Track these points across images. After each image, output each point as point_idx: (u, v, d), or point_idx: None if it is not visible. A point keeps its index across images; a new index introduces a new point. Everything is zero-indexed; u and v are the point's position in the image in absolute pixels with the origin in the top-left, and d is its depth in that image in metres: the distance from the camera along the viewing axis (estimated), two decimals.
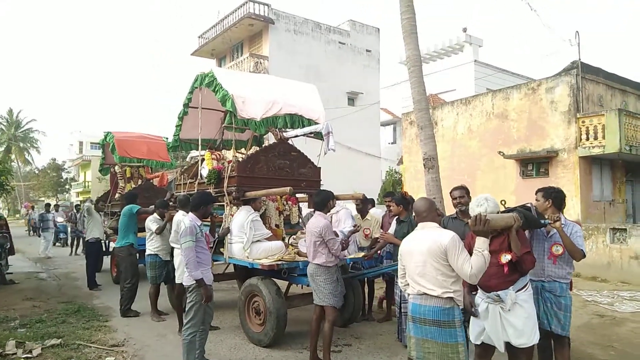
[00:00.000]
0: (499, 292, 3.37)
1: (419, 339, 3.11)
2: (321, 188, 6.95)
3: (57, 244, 18.20)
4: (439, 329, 3.02)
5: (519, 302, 3.35)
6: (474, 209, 3.45)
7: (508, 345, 3.39)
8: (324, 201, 4.92)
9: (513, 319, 3.33)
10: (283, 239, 6.36)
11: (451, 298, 3.02)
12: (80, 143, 56.84)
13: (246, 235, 5.56)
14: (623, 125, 11.15)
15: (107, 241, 10.57)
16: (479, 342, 3.54)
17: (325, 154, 6.60)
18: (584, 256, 3.73)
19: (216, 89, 6.26)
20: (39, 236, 15.74)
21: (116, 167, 11.07)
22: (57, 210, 19.99)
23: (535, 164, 12.67)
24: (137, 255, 7.37)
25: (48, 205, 17.13)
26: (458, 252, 2.97)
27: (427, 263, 3.05)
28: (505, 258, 3.33)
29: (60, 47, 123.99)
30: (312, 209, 6.98)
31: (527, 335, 3.32)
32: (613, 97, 13.21)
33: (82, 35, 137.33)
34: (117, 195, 10.76)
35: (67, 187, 49.90)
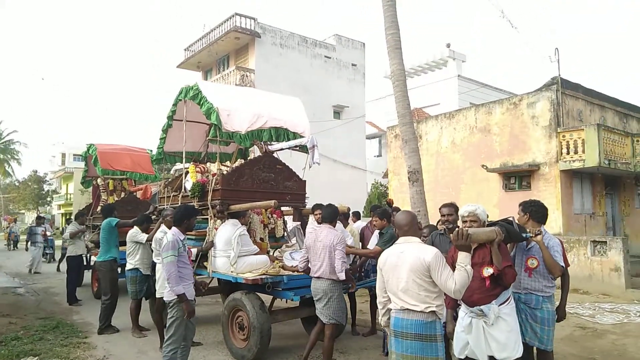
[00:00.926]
0: (482, 307, 3.39)
1: (399, 354, 3.08)
2: (306, 201, 6.97)
3: (43, 259, 16.92)
4: (421, 343, 3.00)
5: (502, 315, 3.37)
6: (476, 210, 3.57)
7: (492, 359, 3.39)
8: (332, 215, 4.98)
9: (496, 332, 3.35)
10: (268, 253, 6.33)
11: (434, 312, 3.01)
12: (63, 155, 56.06)
13: (233, 250, 5.50)
14: (602, 140, 11.41)
15: (88, 255, 10.36)
16: (462, 357, 3.55)
17: (310, 167, 6.62)
18: (562, 271, 3.77)
19: (201, 102, 6.25)
20: (27, 250, 14.47)
21: (99, 180, 10.92)
22: (42, 224, 19.17)
23: (517, 177, 12.87)
24: (119, 269, 7.24)
25: (39, 218, 15.55)
26: (441, 269, 2.96)
27: (409, 279, 3.03)
28: (487, 271, 3.35)
29: (41, 58, 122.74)
30: (299, 222, 7.02)
31: (510, 348, 3.33)
32: (592, 112, 13.53)
33: (64, 46, 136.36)
34: (99, 209, 10.59)
35: (48, 199, 48.98)
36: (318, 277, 4.82)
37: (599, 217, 13.13)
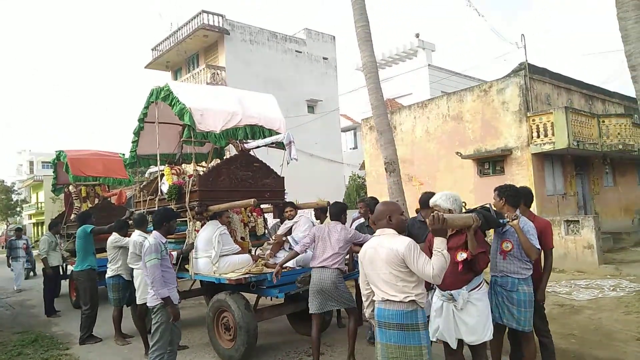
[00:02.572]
0: (452, 292, 3.47)
1: (383, 344, 3.12)
2: (285, 197, 6.95)
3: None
4: (403, 332, 3.03)
5: (471, 300, 3.45)
6: (439, 202, 3.58)
7: (462, 342, 3.50)
8: (339, 212, 5.10)
9: (465, 317, 3.44)
10: (249, 251, 6.29)
11: (414, 301, 3.03)
12: (31, 163, 54.43)
13: (214, 250, 5.46)
14: (570, 122, 11.73)
15: (64, 264, 10.10)
16: (434, 339, 3.62)
17: (288, 163, 6.59)
18: (538, 254, 3.86)
19: (173, 103, 6.14)
20: (8, 266, 12.85)
21: (70, 187, 10.64)
22: (19, 237, 17.40)
23: (491, 162, 13.13)
24: (97, 277, 7.08)
25: (19, 229, 13.85)
26: (416, 257, 2.97)
27: (386, 271, 3.05)
28: (461, 256, 3.43)
29: (1, 63, 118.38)
30: (278, 220, 6.99)
31: (478, 332, 3.44)
32: (559, 96, 13.89)
33: (28, 50, 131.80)
34: (72, 216, 10.32)
35: (18, 209, 47.46)
36: (323, 267, 4.83)
37: (570, 197, 13.52)
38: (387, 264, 3.04)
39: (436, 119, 14.38)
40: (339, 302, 4.86)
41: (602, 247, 10.05)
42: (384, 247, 3.08)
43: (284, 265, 5.64)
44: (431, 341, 3.32)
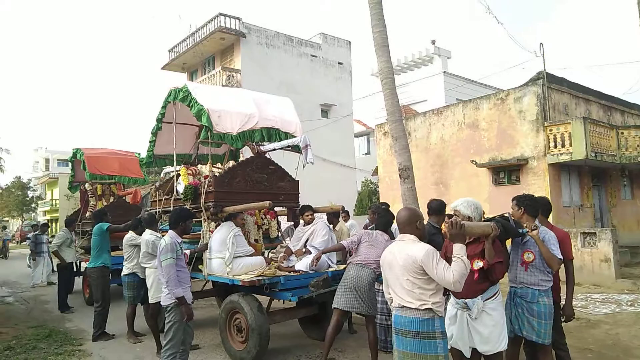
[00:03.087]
0: (467, 300, 3.42)
1: (400, 351, 3.08)
2: (299, 201, 6.95)
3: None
4: (419, 341, 2.98)
5: (486, 310, 3.41)
6: (459, 208, 3.56)
7: (475, 351, 3.45)
8: (388, 224, 5.01)
9: (479, 326, 3.40)
10: (262, 254, 6.30)
11: (430, 309, 2.98)
12: (47, 160, 55.27)
13: (228, 251, 5.47)
14: (588, 133, 11.56)
15: (78, 261, 10.21)
16: (448, 347, 3.58)
17: (304, 167, 6.59)
18: (560, 264, 3.80)
19: (191, 104, 6.19)
20: (32, 261, 12.64)
21: (86, 185, 10.77)
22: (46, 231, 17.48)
23: (506, 171, 12.99)
24: (110, 275, 7.14)
25: (45, 225, 13.75)
26: (435, 263, 2.93)
27: (403, 277, 3.02)
28: (477, 264, 3.39)
29: (20, 62, 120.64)
30: (292, 223, 6.98)
31: (492, 342, 3.39)
32: (577, 106, 13.71)
33: (46, 50, 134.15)
34: (87, 214, 10.44)
35: (33, 206, 48.21)
36: (364, 266, 4.74)
37: (587, 209, 13.32)
38: (405, 270, 3.01)
39: (451, 126, 14.29)
40: (367, 305, 4.70)
41: (619, 260, 9.86)
42: (403, 253, 3.06)
43: (297, 269, 5.65)
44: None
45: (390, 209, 6.37)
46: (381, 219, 5.13)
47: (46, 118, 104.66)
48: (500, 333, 3.44)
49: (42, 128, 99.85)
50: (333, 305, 4.83)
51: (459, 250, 2.97)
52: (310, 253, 5.72)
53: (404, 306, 3.04)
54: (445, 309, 3.79)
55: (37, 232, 13.31)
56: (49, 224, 31.05)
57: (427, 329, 2.97)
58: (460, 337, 3.48)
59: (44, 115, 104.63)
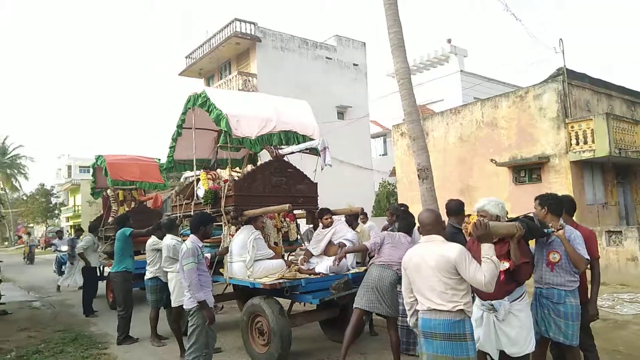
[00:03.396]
0: (493, 302, 3.37)
1: (430, 354, 3.04)
2: (318, 203, 6.95)
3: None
4: (450, 343, 2.94)
5: (513, 311, 3.36)
6: (487, 208, 3.52)
7: (503, 353, 3.38)
8: (411, 226, 5.01)
9: (507, 328, 3.35)
10: (282, 257, 6.31)
11: (462, 310, 2.95)
12: (69, 167, 56.41)
13: (249, 254, 5.50)
14: (611, 129, 11.31)
15: (101, 266, 10.39)
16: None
17: (322, 169, 6.60)
18: (587, 264, 3.72)
19: (210, 109, 6.25)
20: (70, 265, 11.86)
21: (108, 191, 10.95)
22: (60, 238, 17.72)
23: (527, 170, 12.78)
24: (133, 279, 7.23)
25: (80, 230, 12.91)
26: (468, 263, 2.90)
27: (435, 278, 2.98)
28: (503, 265, 3.34)
29: (44, 72, 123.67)
30: (311, 225, 6.98)
31: (520, 344, 3.33)
32: (599, 102, 13.42)
33: (67, 59, 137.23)
34: (110, 219, 10.62)
35: (56, 212, 49.30)
36: (386, 266, 4.74)
37: (611, 207, 13.01)
38: (437, 271, 2.97)
39: (470, 125, 14.12)
40: (389, 306, 4.68)
41: None
42: (434, 254, 3.02)
43: (317, 272, 5.64)
44: None
45: (409, 210, 6.34)
46: (403, 221, 5.11)
47: (68, 126, 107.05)
48: (527, 334, 3.39)
49: (64, 136, 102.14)
50: (354, 305, 4.81)
51: (487, 250, 2.94)
52: (345, 245, 5.70)
53: (434, 309, 3.00)
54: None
55: (73, 237, 13.27)
56: (70, 229, 31.76)
57: (459, 331, 2.95)
58: (487, 339, 3.43)
59: (67, 123, 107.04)
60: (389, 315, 4.75)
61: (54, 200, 49.45)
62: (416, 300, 3.17)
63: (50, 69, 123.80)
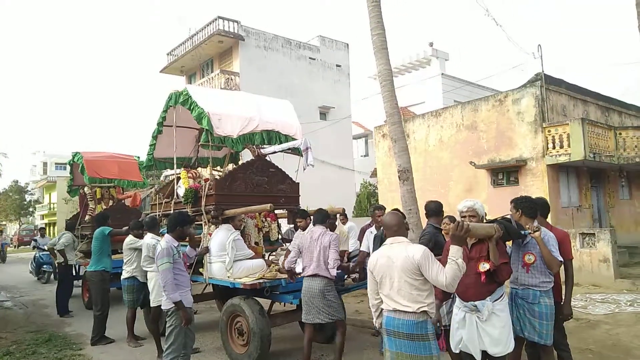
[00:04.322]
0: (476, 303, 3.43)
1: (393, 352, 3.12)
2: (300, 203, 6.95)
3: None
4: (413, 342, 3.03)
5: (495, 311, 3.42)
6: (476, 207, 3.63)
7: (485, 353, 3.44)
8: (324, 217, 5.15)
9: (490, 328, 3.40)
10: (263, 257, 6.29)
11: (425, 312, 3.04)
12: (45, 164, 55.14)
13: (228, 256, 5.46)
14: (587, 134, 11.61)
15: (77, 265, 10.18)
16: (457, 351, 3.59)
17: (304, 169, 6.60)
18: (560, 266, 3.82)
19: (191, 107, 6.19)
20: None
21: (85, 188, 10.74)
22: (43, 236, 15.76)
23: (505, 173, 13.02)
24: (111, 278, 7.12)
25: (43, 229, 13.54)
26: (430, 264, 3.00)
27: (401, 279, 3.06)
28: (484, 267, 3.40)
29: (18, 65, 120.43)
30: (292, 225, 6.98)
31: (503, 344, 3.40)
32: (575, 107, 13.76)
33: (43, 52, 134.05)
34: (87, 217, 10.42)
35: (30, 209, 48.07)
36: (313, 276, 4.84)
37: (585, 210, 13.35)
38: (402, 272, 3.05)
39: (450, 128, 14.32)
40: (326, 313, 4.76)
41: (618, 261, 9.89)
42: (400, 255, 3.09)
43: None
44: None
45: (386, 210, 6.41)
46: (317, 215, 5.22)
47: (44, 122, 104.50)
48: (509, 334, 3.45)
49: (40, 132, 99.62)
50: (302, 319, 4.95)
51: (455, 252, 3.02)
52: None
53: (399, 310, 3.08)
54: (444, 311, 3.85)
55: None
56: (46, 227, 31.03)
57: (421, 331, 3.04)
58: (470, 340, 3.47)
59: (42, 118, 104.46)
60: (334, 320, 4.82)
61: (28, 198, 48.18)
62: (382, 301, 3.23)
63: (25, 62, 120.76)
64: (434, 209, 4.88)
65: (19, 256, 26.23)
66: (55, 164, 52.74)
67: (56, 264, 11.86)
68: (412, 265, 3.00)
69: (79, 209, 11.52)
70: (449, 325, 3.84)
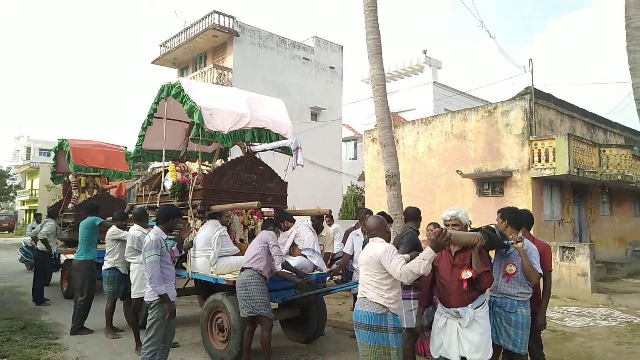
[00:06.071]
0: (458, 309, 3.48)
1: (359, 343, 3.43)
2: (287, 202, 6.96)
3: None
4: (372, 333, 3.31)
5: (476, 318, 3.48)
6: (460, 216, 3.75)
7: (464, 359, 3.50)
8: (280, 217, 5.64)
9: (470, 334, 3.46)
10: None
11: (384, 305, 3.32)
12: (28, 149, 54.17)
13: (213, 251, 5.45)
14: (572, 149, 11.82)
15: (57, 254, 10.03)
16: (437, 356, 3.64)
17: (293, 169, 6.61)
18: (539, 278, 3.91)
19: (183, 100, 6.16)
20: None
21: (70, 176, 10.60)
22: (39, 222, 14.80)
23: (491, 183, 13.18)
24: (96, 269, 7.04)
25: (39, 215, 12.15)
26: (390, 257, 3.30)
27: (365, 272, 3.45)
28: (466, 274, 3.47)
29: (3, 48, 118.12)
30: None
31: (482, 350, 3.46)
32: (562, 122, 14.00)
33: (30, 36, 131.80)
34: (70, 206, 10.28)
35: (11, 195, 47.18)
36: (243, 269, 5.02)
37: (566, 224, 13.58)
38: (367, 266, 3.41)
39: (439, 136, 14.45)
40: (250, 306, 4.75)
41: (595, 275, 10.08)
42: (369, 251, 3.45)
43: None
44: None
45: (373, 214, 6.47)
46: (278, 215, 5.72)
47: (29, 107, 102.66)
48: (488, 341, 3.52)
49: (24, 116, 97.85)
50: None
51: (427, 254, 3.25)
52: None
53: (364, 297, 3.41)
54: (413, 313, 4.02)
55: None
56: (25, 214, 30.45)
57: (380, 323, 3.31)
58: (449, 345, 3.53)
59: (27, 103, 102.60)
60: (255, 315, 4.81)
61: (9, 182, 47.27)
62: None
63: (11, 45, 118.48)
64: (413, 214, 5.05)
65: None
66: (40, 149, 51.86)
67: (34, 251, 11.77)
68: (373, 259, 3.34)
69: (62, 197, 11.36)
70: (430, 330, 3.89)
